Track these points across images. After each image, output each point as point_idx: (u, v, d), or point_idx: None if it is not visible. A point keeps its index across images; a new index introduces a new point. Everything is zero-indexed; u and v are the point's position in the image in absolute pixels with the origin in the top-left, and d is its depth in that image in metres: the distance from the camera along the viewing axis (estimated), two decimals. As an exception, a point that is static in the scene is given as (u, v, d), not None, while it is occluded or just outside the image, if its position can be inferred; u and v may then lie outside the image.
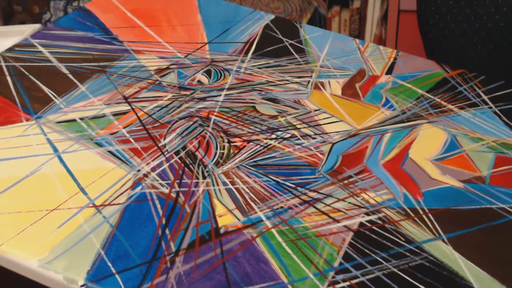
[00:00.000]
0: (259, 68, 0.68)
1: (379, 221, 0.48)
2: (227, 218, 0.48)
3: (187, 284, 0.42)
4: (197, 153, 0.54)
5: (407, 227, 0.48)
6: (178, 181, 0.51)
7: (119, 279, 0.42)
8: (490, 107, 0.63)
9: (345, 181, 0.52)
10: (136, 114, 0.59)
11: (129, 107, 0.60)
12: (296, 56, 0.71)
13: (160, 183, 0.51)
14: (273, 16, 0.79)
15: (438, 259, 0.46)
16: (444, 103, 0.63)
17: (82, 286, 0.42)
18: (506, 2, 0.76)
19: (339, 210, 0.49)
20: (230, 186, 0.51)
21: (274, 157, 0.55)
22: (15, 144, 0.54)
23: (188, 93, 0.63)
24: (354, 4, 2.20)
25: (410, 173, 0.54)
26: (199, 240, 0.46)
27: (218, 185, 0.51)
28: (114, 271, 0.43)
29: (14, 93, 0.60)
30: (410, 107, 0.63)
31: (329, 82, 0.67)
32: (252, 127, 0.58)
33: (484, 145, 0.58)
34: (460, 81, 0.67)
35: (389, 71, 0.69)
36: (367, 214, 0.49)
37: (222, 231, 0.47)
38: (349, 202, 0.50)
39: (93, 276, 0.42)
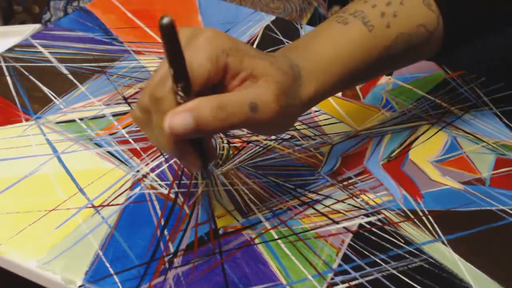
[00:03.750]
0: (259, 69, 0.68)
1: (378, 223, 0.48)
2: (226, 219, 0.48)
3: (185, 285, 0.42)
4: (196, 153, 0.54)
5: (406, 229, 0.48)
6: (177, 181, 0.51)
7: (117, 279, 0.42)
8: (491, 109, 0.63)
9: (345, 183, 0.52)
10: (136, 115, 0.58)
11: (129, 108, 0.60)
12: (296, 57, 0.71)
13: (159, 184, 0.50)
14: (273, 17, 0.78)
15: (438, 261, 0.45)
16: (444, 105, 0.63)
17: (80, 286, 0.42)
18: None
19: (338, 212, 0.49)
20: (229, 187, 0.51)
21: (273, 158, 0.55)
22: (14, 144, 0.54)
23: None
24: (355, 5, 2.18)
25: (410, 175, 0.53)
26: (198, 241, 0.46)
27: (217, 186, 0.51)
28: (112, 271, 0.43)
29: (14, 94, 0.60)
30: (410, 109, 0.63)
31: (329, 83, 0.66)
32: (252, 128, 0.58)
33: (485, 147, 0.57)
34: (461, 82, 0.67)
35: (390, 72, 0.69)
36: (367, 215, 0.49)
37: (221, 232, 0.46)
38: (349, 204, 0.50)
39: (92, 277, 0.42)
